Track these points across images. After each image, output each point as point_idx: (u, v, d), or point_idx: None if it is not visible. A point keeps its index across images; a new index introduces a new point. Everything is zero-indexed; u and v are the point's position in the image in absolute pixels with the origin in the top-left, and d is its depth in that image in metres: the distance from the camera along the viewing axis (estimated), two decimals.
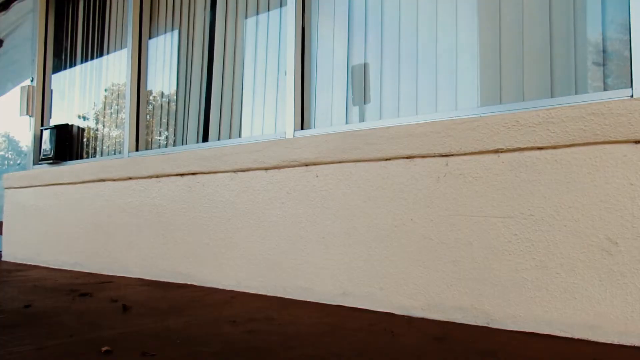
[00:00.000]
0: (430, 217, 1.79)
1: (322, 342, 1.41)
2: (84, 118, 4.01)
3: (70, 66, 4.15)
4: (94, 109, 3.94)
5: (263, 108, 2.73)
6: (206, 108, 3.10)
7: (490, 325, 1.61)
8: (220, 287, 2.39)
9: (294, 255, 2.15)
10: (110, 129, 3.79)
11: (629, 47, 1.59)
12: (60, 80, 4.23)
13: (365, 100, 2.33)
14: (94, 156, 3.84)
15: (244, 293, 2.27)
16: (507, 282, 1.59)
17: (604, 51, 1.73)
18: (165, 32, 3.43)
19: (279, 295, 2.18)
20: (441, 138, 1.78)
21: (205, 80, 3.13)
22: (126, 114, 3.44)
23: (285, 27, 2.57)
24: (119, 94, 3.73)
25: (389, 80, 2.24)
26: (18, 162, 4.59)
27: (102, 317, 1.72)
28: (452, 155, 1.76)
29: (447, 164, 1.77)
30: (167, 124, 3.40)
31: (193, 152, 2.67)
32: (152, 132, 3.49)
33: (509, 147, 1.63)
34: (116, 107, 3.75)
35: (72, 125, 3.99)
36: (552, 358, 1.26)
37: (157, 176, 2.80)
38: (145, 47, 3.51)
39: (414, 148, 1.84)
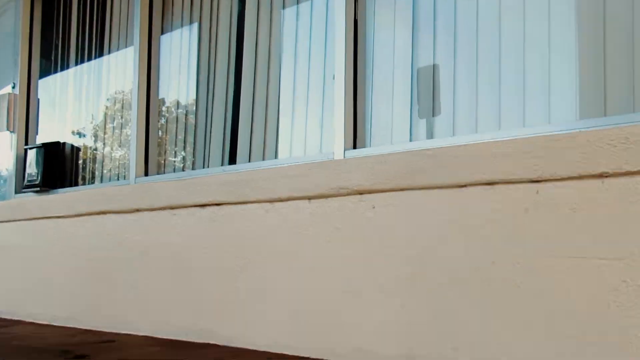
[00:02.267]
0: (517, 259, 1.91)
1: None
2: (80, 134, 4.22)
3: (62, 69, 4.39)
4: (91, 122, 4.14)
5: (305, 121, 2.90)
6: (233, 122, 3.24)
7: None
8: (252, 348, 2.52)
9: (345, 307, 2.30)
10: (112, 148, 3.98)
11: None
12: (49, 87, 4.47)
13: (434, 111, 2.46)
14: (92, 182, 4.04)
15: (281, 355, 2.39)
16: (614, 339, 1.69)
17: None
18: (182, 26, 3.60)
19: (326, 358, 2.31)
20: (530, 159, 1.91)
21: (233, 86, 3.27)
22: (132, 130, 3.61)
23: (333, 19, 2.71)
24: (123, 104, 3.91)
25: (465, 86, 2.39)
26: None
27: None
28: (544, 181, 1.88)
29: (537, 192, 1.89)
30: (185, 142, 3.55)
31: (217, 177, 2.85)
32: (165, 152, 3.65)
33: (615, 171, 1.74)
34: (120, 120, 3.93)
35: (64, 143, 4.21)
36: None
37: (172, 207, 2.98)
38: (157, 45, 3.69)
39: (496, 172, 1.97)
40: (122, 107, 3.93)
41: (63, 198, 3.59)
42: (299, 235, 2.49)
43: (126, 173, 3.72)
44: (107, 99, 4.05)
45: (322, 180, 2.41)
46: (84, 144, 4.18)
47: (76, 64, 4.31)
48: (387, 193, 2.23)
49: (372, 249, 2.26)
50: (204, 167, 3.34)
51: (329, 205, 2.39)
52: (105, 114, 4.06)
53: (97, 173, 4.03)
